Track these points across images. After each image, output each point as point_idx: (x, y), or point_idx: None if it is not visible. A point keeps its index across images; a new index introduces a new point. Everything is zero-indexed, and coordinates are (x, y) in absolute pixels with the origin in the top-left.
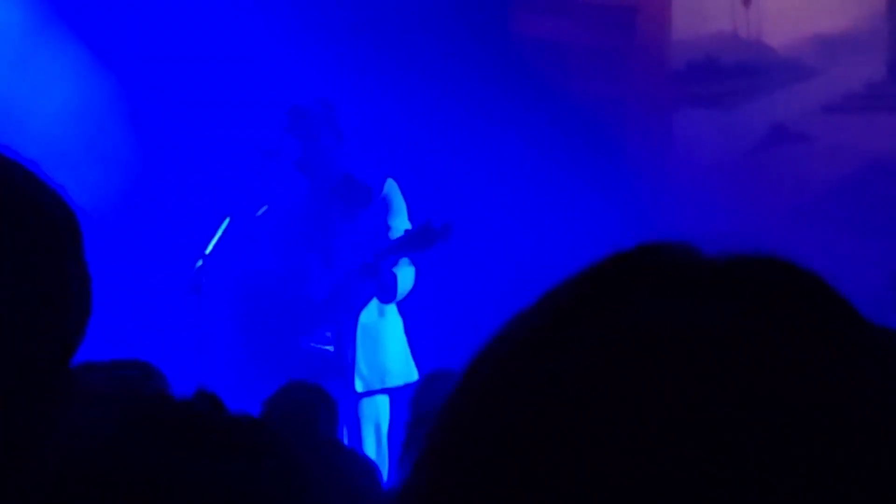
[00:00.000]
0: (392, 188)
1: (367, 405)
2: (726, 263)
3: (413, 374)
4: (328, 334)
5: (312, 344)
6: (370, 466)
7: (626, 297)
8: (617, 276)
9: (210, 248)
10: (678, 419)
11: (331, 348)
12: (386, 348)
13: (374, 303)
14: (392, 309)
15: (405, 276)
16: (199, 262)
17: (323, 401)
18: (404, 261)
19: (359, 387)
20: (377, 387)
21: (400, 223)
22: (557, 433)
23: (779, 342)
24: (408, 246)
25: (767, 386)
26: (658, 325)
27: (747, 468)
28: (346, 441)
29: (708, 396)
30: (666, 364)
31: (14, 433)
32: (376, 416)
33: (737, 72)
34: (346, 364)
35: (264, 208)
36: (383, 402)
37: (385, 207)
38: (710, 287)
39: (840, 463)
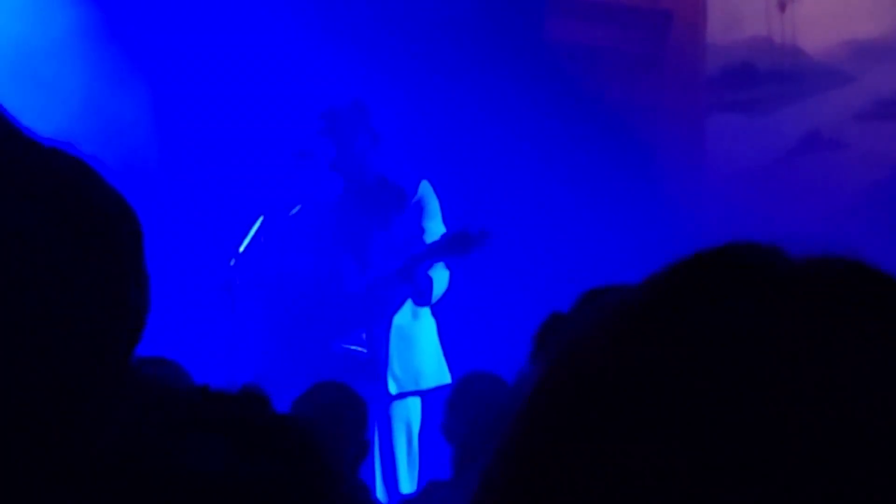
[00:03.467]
0: (426, 190)
1: (399, 407)
2: (810, 265)
3: (446, 377)
4: (362, 336)
5: (346, 345)
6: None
7: (714, 296)
8: (705, 274)
9: (243, 247)
10: (761, 421)
11: (364, 350)
12: (419, 350)
13: (408, 305)
14: (426, 311)
15: (440, 279)
16: (232, 261)
17: (351, 402)
18: (439, 264)
19: (392, 389)
20: (410, 389)
21: (434, 225)
22: (648, 430)
23: (860, 347)
24: (444, 251)
25: (849, 392)
26: (744, 328)
27: (798, 463)
28: (377, 443)
29: (787, 401)
30: (752, 367)
31: (74, 428)
32: (408, 418)
33: (771, 78)
34: (379, 366)
35: (297, 208)
36: (415, 404)
37: (419, 209)
38: (796, 289)
39: None
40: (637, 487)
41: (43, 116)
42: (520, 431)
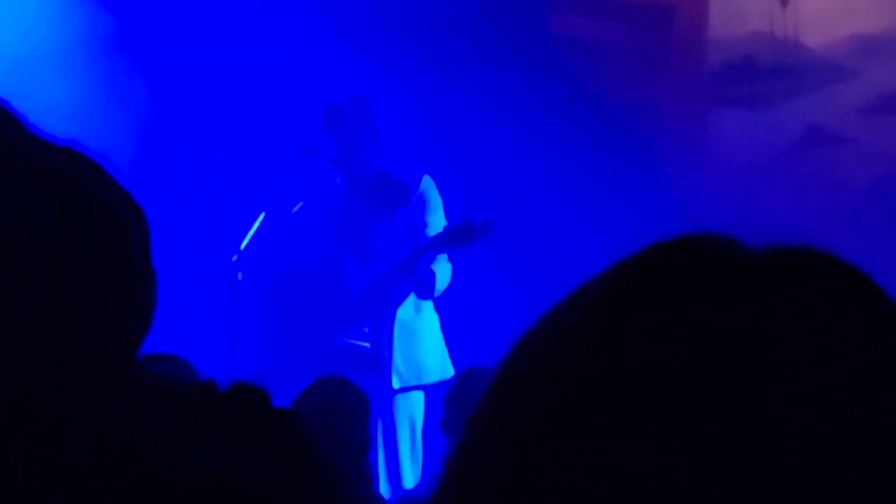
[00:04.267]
0: (429, 185)
1: (402, 401)
2: (767, 255)
3: (449, 371)
4: (365, 330)
5: (349, 340)
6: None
7: (671, 290)
8: (660, 268)
9: (245, 243)
10: (727, 417)
11: (367, 345)
12: (422, 345)
13: (411, 299)
14: (428, 305)
15: (442, 272)
16: (235, 258)
17: (355, 396)
18: (441, 257)
19: (395, 383)
20: (413, 383)
21: (436, 220)
22: (603, 430)
23: (825, 337)
24: (447, 243)
25: (818, 382)
26: (704, 324)
27: (798, 463)
28: (380, 437)
29: (756, 396)
30: (715, 362)
31: (79, 424)
32: (411, 413)
33: (773, 73)
34: (382, 360)
35: (300, 204)
36: (418, 398)
37: (422, 205)
38: (754, 280)
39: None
40: (635, 488)
41: (46, 111)
42: (513, 431)
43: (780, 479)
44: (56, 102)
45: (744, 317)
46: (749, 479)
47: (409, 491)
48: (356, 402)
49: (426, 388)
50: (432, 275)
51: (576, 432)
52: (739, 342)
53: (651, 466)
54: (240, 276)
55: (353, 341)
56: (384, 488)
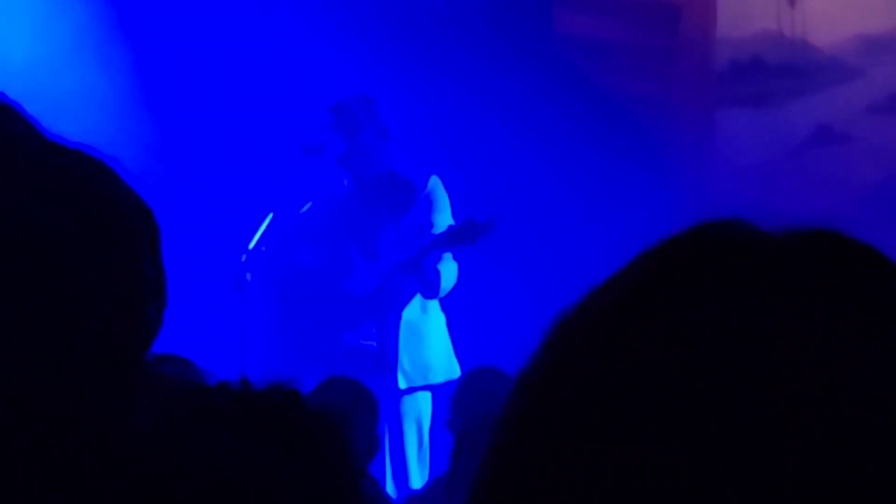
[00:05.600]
0: (436, 185)
1: (408, 401)
2: (785, 240)
3: (456, 371)
4: (371, 330)
5: (355, 340)
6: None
7: (692, 282)
8: (679, 260)
9: (253, 243)
10: (749, 412)
11: (373, 344)
12: (429, 344)
13: (418, 299)
14: (435, 305)
15: (448, 272)
16: (243, 258)
17: (364, 397)
18: (447, 257)
19: (401, 383)
20: (420, 383)
21: (443, 220)
22: (631, 426)
23: (828, 337)
24: (451, 241)
25: (819, 382)
26: (706, 324)
27: (797, 462)
28: (387, 437)
29: (756, 396)
30: (716, 362)
31: (90, 424)
32: (418, 413)
33: (781, 72)
34: (388, 360)
35: (308, 205)
36: (425, 398)
37: (428, 204)
38: (774, 268)
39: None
40: (635, 488)
41: (54, 113)
42: (516, 431)
43: (779, 478)
44: (64, 104)
45: (747, 315)
46: (748, 479)
47: (416, 491)
48: (365, 403)
49: (433, 388)
50: (437, 274)
51: (582, 432)
52: (741, 342)
53: (652, 466)
54: (248, 276)
55: (359, 341)
56: (391, 488)
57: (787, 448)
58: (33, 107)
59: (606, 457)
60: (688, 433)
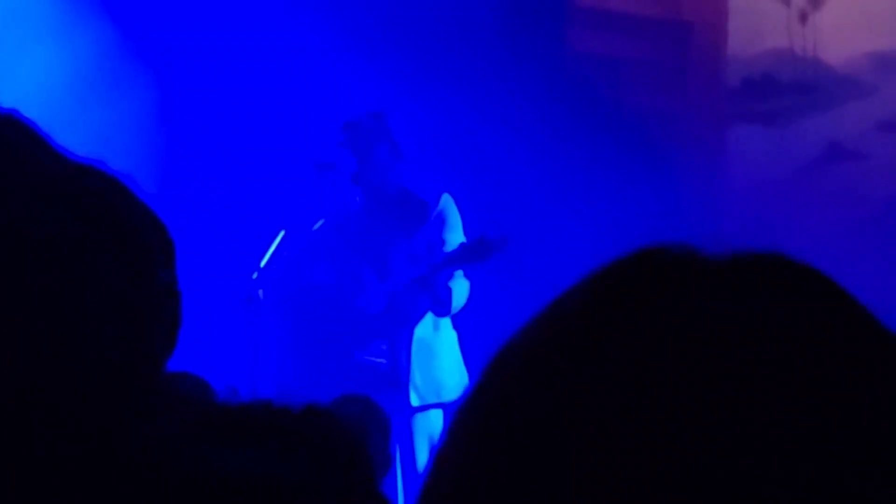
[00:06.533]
0: (448, 202)
1: (420, 419)
2: (728, 261)
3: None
4: (383, 348)
5: (367, 357)
6: None
7: (638, 297)
8: (627, 278)
9: (265, 260)
10: (695, 415)
11: (385, 362)
12: (441, 362)
13: (429, 316)
14: (447, 322)
15: (460, 289)
16: (255, 275)
17: (376, 414)
18: (459, 274)
19: (413, 401)
20: (432, 400)
21: (455, 238)
22: (582, 435)
23: (784, 335)
24: (463, 258)
25: (779, 381)
26: (671, 326)
27: (766, 460)
28: (398, 455)
29: (720, 393)
30: (671, 366)
31: (103, 440)
32: (430, 431)
33: (792, 89)
34: (400, 378)
35: (320, 222)
36: (437, 416)
37: (440, 222)
38: (716, 284)
39: (849, 455)
40: (588, 496)
41: (72, 134)
42: (478, 440)
43: (724, 480)
44: (78, 124)
45: (698, 320)
46: (687, 484)
47: None
48: (378, 421)
49: (445, 406)
50: (449, 292)
51: (547, 437)
52: (694, 345)
53: (607, 472)
54: (260, 293)
55: (370, 358)
56: None
57: (741, 448)
58: (50, 126)
59: (578, 461)
60: (635, 436)
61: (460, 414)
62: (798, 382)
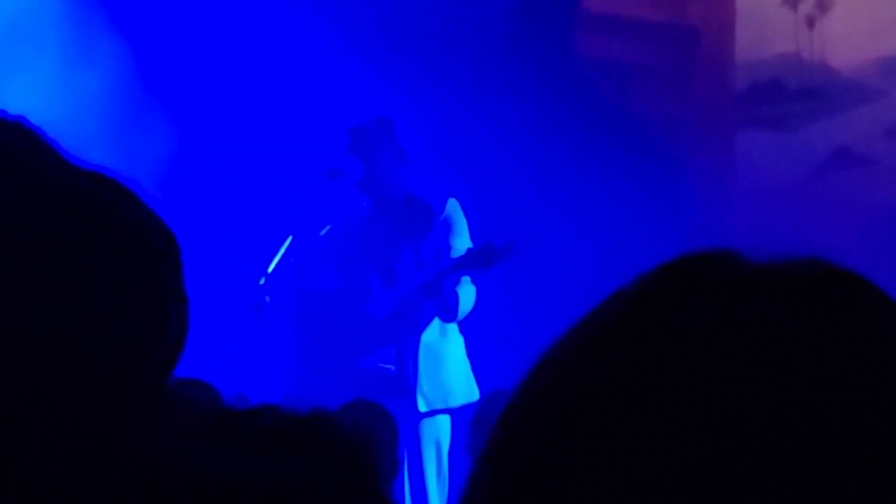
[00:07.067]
0: (454, 208)
1: (428, 425)
2: (769, 266)
3: (475, 394)
4: (390, 353)
5: (374, 363)
6: None
7: (680, 300)
8: (669, 282)
9: (272, 266)
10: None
11: (392, 368)
12: (447, 368)
13: (436, 322)
14: (453, 328)
15: (467, 295)
16: (262, 281)
17: (384, 420)
18: (466, 280)
19: (421, 406)
20: (439, 406)
21: (462, 243)
22: (611, 431)
23: (824, 337)
24: (469, 264)
25: (814, 381)
26: (712, 328)
27: (794, 453)
28: (406, 461)
29: (773, 400)
30: (708, 367)
31: (110, 445)
32: (437, 436)
33: (800, 94)
34: (407, 383)
35: (327, 228)
36: (444, 421)
37: (447, 227)
38: (756, 288)
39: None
40: (637, 487)
41: (80, 140)
42: (515, 436)
43: (757, 481)
44: (87, 131)
45: (737, 324)
46: (727, 481)
47: None
48: (386, 426)
49: (452, 412)
50: (456, 297)
51: (590, 433)
52: (734, 347)
53: (648, 465)
54: (267, 299)
55: (378, 364)
56: None
57: (772, 448)
58: (56, 132)
59: (613, 456)
60: (674, 434)
61: (501, 416)
62: (845, 385)
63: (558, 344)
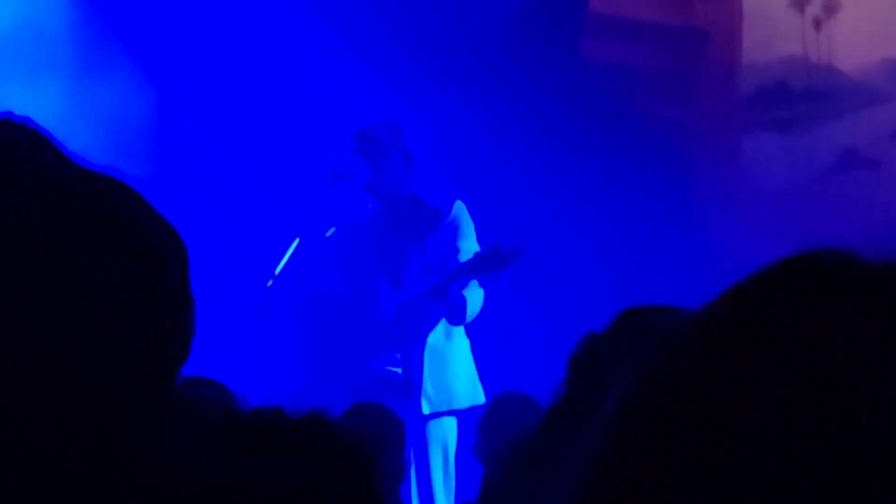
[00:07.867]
0: (461, 210)
1: (434, 427)
2: (885, 268)
3: (480, 397)
4: (396, 356)
5: (381, 366)
6: None
7: (797, 302)
8: (786, 282)
9: (280, 268)
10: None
11: (398, 370)
12: (453, 370)
13: (443, 325)
14: (460, 331)
15: (474, 298)
16: (269, 283)
17: (391, 423)
18: (473, 283)
19: (426, 409)
20: (444, 409)
21: (468, 246)
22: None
23: None
24: (477, 268)
25: None
26: (841, 337)
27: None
28: (413, 464)
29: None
30: (855, 375)
31: (119, 445)
32: (443, 439)
33: (807, 96)
34: (413, 386)
35: (333, 230)
36: (450, 424)
37: (454, 230)
38: (866, 294)
39: None
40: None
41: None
42: (619, 452)
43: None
44: (95, 133)
45: (852, 330)
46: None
47: None
48: (393, 429)
49: (458, 414)
50: (463, 300)
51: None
52: (850, 356)
53: (751, 472)
54: (274, 301)
55: (384, 366)
56: None
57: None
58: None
59: (715, 459)
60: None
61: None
62: None
63: (662, 347)
